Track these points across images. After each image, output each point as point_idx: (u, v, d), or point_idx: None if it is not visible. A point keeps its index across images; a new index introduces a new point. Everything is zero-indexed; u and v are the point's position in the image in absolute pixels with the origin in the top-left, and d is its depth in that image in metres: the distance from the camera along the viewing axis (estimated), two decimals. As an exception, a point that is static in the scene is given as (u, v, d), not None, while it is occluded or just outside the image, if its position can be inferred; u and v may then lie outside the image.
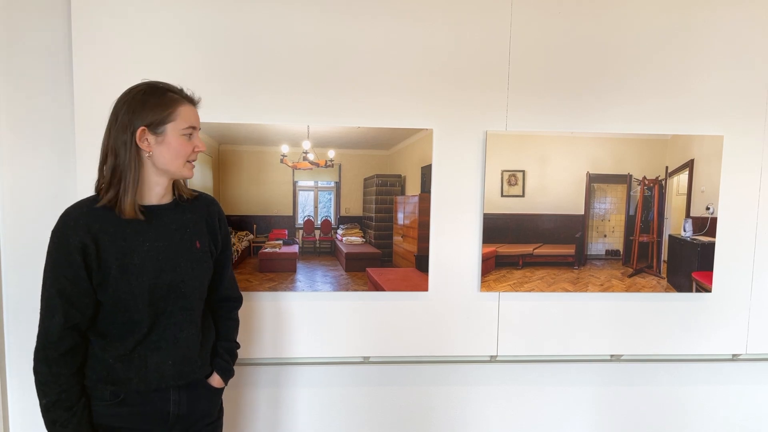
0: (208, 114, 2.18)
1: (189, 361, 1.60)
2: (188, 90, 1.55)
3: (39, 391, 1.47)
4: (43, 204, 2.29)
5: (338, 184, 2.29)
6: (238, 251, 2.25)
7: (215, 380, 1.70)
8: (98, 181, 1.51)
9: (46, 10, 2.20)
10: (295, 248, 2.29)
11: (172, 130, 1.46)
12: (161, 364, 1.55)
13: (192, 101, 1.54)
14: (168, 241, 1.53)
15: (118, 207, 1.46)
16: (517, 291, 2.36)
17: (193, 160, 1.55)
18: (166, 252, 1.53)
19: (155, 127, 1.44)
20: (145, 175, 1.49)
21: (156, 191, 1.53)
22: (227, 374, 1.73)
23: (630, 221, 2.38)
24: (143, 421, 1.57)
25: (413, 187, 2.30)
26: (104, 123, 1.51)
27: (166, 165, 1.49)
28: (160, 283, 1.51)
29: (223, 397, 2.38)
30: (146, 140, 1.45)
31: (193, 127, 1.52)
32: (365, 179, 2.29)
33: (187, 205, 1.61)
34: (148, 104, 1.43)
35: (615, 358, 2.51)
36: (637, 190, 2.36)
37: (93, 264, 1.45)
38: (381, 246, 2.32)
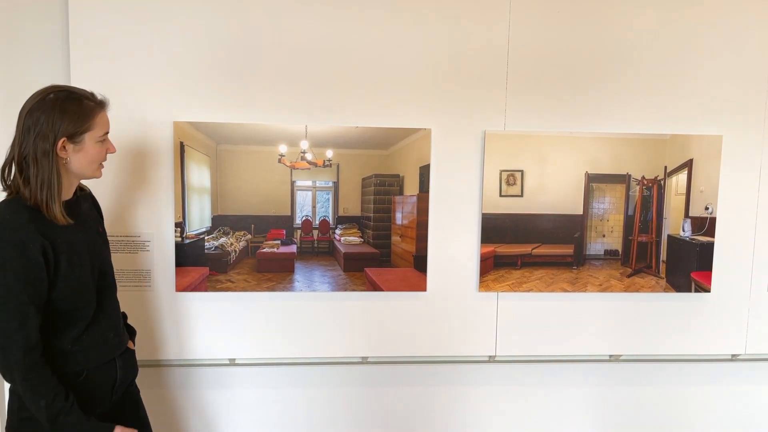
0: (206, 113, 2.18)
1: (122, 331, 1.79)
2: (99, 94, 1.58)
3: (34, 396, 1.49)
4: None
5: (336, 184, 2.28)
6: (236, 251, 2.25)
7: (131, 344, 1.86)
8: (8, 181, 1.52)
9: (42, 10, 2.19)
10: (293, 248, 2.29)
11: (90, 138, 1.52)
12: (108, 337, 1.68)
13: (104, 106, 1.58)
14: (86, 231, 1.65)
15: (46, 213, 1.49)
16: (515, 291, 2.36)
17: (104, 162, 1.63)
18: (89, 240, 1.65)
19: (74, 137, 1.49)
20: (63, 179, 1.52)
21: (69, 191, 1.59)
22: (135, 336, 1.93)
23: (629, 221, 2.37)
24: (99, 391, 1.67)
25: (412, 187, 2.30)
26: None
27: (81, 170, 1.56)
28: (95, 268, 1.65)
29: (220, 397, 2.38)
30: (65, 149, 1.49)
31: (106, 132, 1.58)
32: (363, 179, 2.28)
33: (81, 196, 1.71)
34: (68, 114, 1.47)
35: (614, 359, 2.51)
36: (635, 189, 2.35)
37: (51, 264, 1.50)
38: (379, 246, 2.32)
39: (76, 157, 1.52)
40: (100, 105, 1.56)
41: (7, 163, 1.52)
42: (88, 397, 1.61)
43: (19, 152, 1.47)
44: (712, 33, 2.31)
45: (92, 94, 1.55)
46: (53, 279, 1.50)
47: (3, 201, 1.51)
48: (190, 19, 2.14)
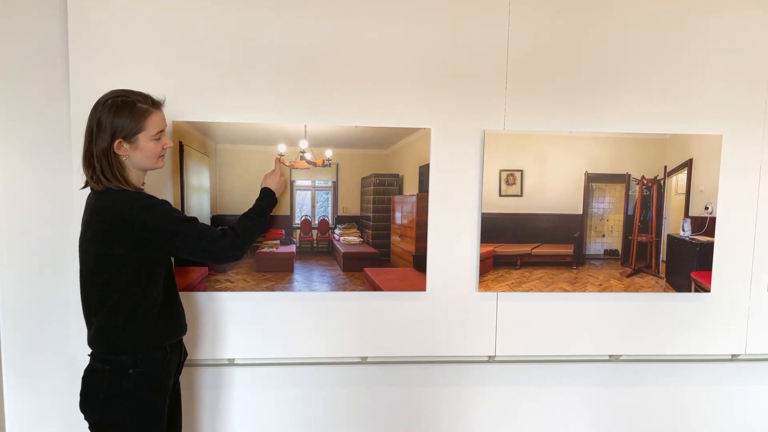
0: (206, 113, 2.17)
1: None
2: (155, 95, 1.72)
3: (253, 237, 1.87)
4: (40, 204, 2.28)
5: (336, 184, 2.28)
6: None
7: None
8: (93, 176, 1.68)
9: (42, 11, 2.19)
10: (292, 248, 2.28)
11: (144, 137, 1.68)
12: (180, 314, 1.86)
13: (158, 106, 1.73)
14: None
15: None
16: (515, 291, 2.36)
17: (163, 155, 1.79)
18: None
19: (129, 137, 1.66)
20: (128, 171, 1.72)
21: (139, 180, 1.78)
22: None
23: (629, 221, 2.37)
24: (172, 373, 1.83)
25: (411, 187, 2.30)
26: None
27: (141, 164, 1.73)
28: None
29: (219, 398, 2.37)
30: (122, 147, 1.67)
31: (161, 131, 1.74)
32: (363, 179, 2.28)
33: None
34: (121, 117, 1.64)
35: (614, 359, 2.50)
36: (635, 189, 2.35)
37: None
38: (379, 246, 2.31)
39: (133, 154, 1.69)
40: (153, 106, 1.71)
41: (84, 160, 1.69)
42: (166, 375, 1.78)
43: (87, 150, 1.66)
44: (712, 32, 2.31)
45: (146, 97, 1.70)
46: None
47: (118, 191, 1.67)
48: (189, 20, 2.14)
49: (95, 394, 1.69)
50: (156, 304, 1.74)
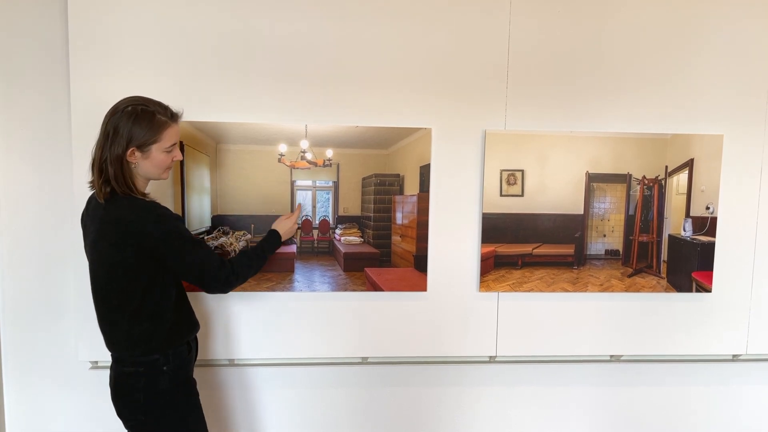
0: (206, 113, 2.17)
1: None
2: (174, 107, 1.72)
3: (251, 272, 1.84)
4: (40, 206, 2.28)
5: (336, 184, 2.28)
6: (235, 251, 2.24)
7: None
8: (102, 181, 1.67)
9: (42, 10, 2.19)
10: (293, 248, 2.28)
11: (157, 149, 1.69)
12: (192, 312, 1.89)
13: (176, 119, 1.74)
14: None
15: None
16: (516, 291, 2.35)
17: (171, 167, 1.79)
18: None
19: (142, 147, 1.66)
20: (136, 178, 1.72)
21: (144, 187, 1.77)
22: None
23: (630, 221, 2.37)
24: (193, 366, 1.89)
25: (412, 187, 2.29)
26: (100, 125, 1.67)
27: (148, 173, 1.73)
28: None
29: (219, 398, 2.37)
30: (134, 156, 1.67)
31: (175, 144, 1.74)
32: (363, 179, 2.28)
33: None
34: (139, 127, 1.64)
35: (614, 359, 2.50)
36: (636, 189, 2.35)
37: None
38: (379, 246, 2.31)
39: (143, 163, 1.69)
40: (171, 119, 1.71)
41: (94, 163, 1.69)
42: (191, 368, 1.85)
43: (100, 155, 1.65)
44: (713, 33, 2.31)
45: (165, 109, 1.70)
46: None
47: (129, 199, 1.67)
48: (190, 20, 2.14)
49: (134, 397, 1.72)
50: (173, 302, 1.78)
